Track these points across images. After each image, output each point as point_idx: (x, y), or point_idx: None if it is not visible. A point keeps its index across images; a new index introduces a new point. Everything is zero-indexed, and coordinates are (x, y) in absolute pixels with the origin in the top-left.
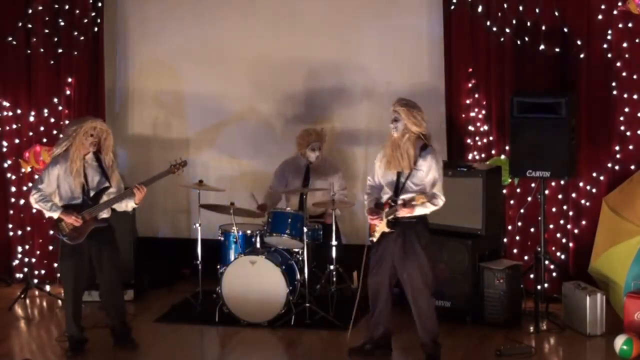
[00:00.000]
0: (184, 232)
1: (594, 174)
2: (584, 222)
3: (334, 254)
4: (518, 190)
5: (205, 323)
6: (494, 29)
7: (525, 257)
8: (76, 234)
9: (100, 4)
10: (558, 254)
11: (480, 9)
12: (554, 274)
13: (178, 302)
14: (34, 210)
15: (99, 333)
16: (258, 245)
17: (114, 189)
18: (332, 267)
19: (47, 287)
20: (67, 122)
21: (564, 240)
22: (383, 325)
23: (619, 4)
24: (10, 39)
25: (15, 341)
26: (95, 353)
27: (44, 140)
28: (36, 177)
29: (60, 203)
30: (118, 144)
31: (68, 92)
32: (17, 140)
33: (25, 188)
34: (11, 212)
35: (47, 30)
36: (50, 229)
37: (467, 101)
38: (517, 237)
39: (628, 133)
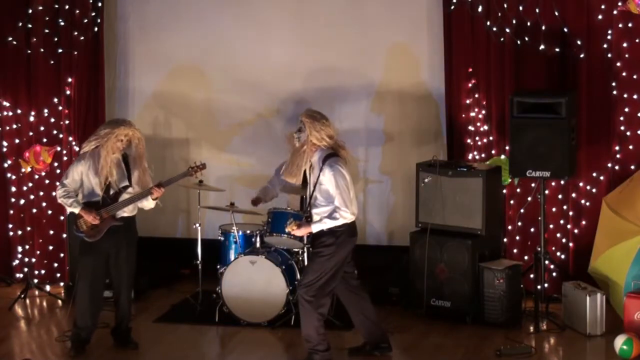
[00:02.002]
0: (184, 232)
1: (594, 174)
2: (584, 222)
3: None
4: (518, 190)
5: (205, 323)
6: (494, 29)
7: (525, 257)
8: (94, 231)
9: (100, 4)
10: (558, 254)
11: (480, 9)
12: (554, 274)
13: (178, 302)
14: (35, 210)
15: (99, 333)
16: (258, 245)
17: (138, 189)
18: None
19: (47, 287)
20: (67, 122)
21: (564, 240)
22: (360, 331)
23: (619, 4)
24: (10, 39)
25: (15, 341)
26: (95, 353)
27: (44, 140)
28: (36, 177)
29: (83, 200)
30: None
31: (68, 92)
32: (17, 140)
33: (25, 188)
34: (11, 212)
35: (47, 30)
36: (51, 229)
37: (467, 101)
38: (517, 237)
39: (628, 133)
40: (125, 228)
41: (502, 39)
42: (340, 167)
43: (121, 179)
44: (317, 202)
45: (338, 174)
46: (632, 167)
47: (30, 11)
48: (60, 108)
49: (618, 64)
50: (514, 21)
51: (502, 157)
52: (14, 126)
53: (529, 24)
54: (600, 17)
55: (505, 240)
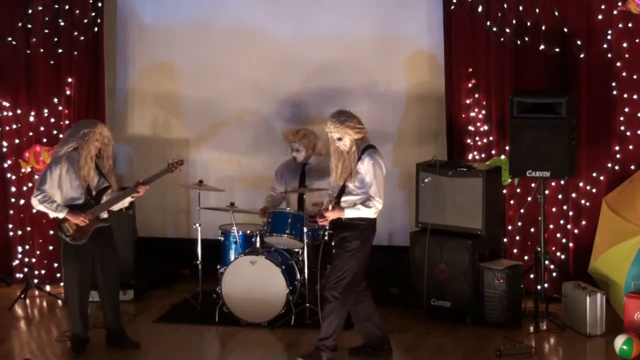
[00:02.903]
0: (184, 232)
1: (594, 174)
2: (584, 222)
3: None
4: (518, 190)
5: (205, 323)
6: (494, 29)
7: (525, 257)
8: (79, 234)
9: (100, 4)
10: (558, 254)
11: (480, 9)
12: (554, 274)
13: (178, 302)
14: (34, 211)
15: (99, 333)
16: (258, 245)
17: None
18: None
19: (47, 287)
20: (67, 122)
21: (564, 240)
22: (361, 331)
23: (619, 4)
24: (10, 39)
25: (15, 341)
26: (95, 353)
27: (44, 140)
28: (35, 177)
29: (62, 203)
30: (118, 143)
31: (68, 92)
32: (17, 140)
33: (25, 188)
34: (11, 212)
35: (47, 30)
36: (51, 229)
37: (467, 101)
38: (517, 237)
39: (628, 133)
40: (108, 229)
41: (502, 39)
42: (378, 159)
43: (100, 180)
44: (348, 190)
45: (377, 164)
46: (632, 167)
47: (30, 11)
48: (60, 108)
49: (618, 64)
50: (514, 21)
51: (502, 157)
52: (14, 126)
53: (529, 24)
54: (600, 17)
55: (505, 240)
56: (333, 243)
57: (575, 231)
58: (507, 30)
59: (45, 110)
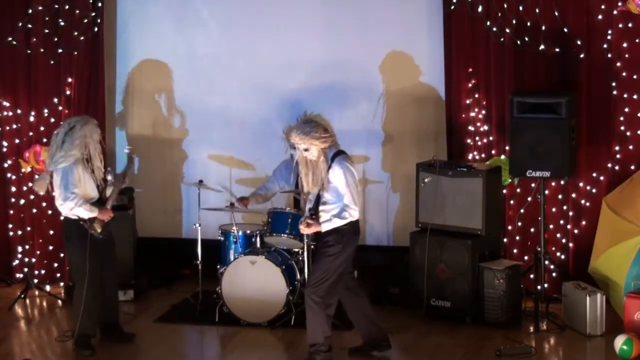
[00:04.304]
0: (184, 232)
1: (594, 174)
2: (584, 222)
3: None
4: (518, 190)
5: (205, 323)
6: (494, 29)
7: (525, 257)
8: (104, 229)
9: (100, 4)
10: (558, 254)
11: (480, 9)
12: (554, 274)
13: (178, 302)
14: (35, 210)
15: (99, 332)
16: (258, 245)
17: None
18: None
19: (47, 287)
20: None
21: (564, 240)
22: (359, 331)
23: (619, 4)
24: (10, 39)
25: (15, 341)
26: (95, 352)
27: (44, 140)
28: (36, 176)
29: None
30: (118, 143)
31: (68, 92)
32: (17, 140)
33: (25, 188)
34: (11, 212)
35: (47, 30)
36: (51, 229)
37: (467, 101)
38: (517, 237)
39: (628, 133)
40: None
41: (502, 39)
42: (349, 165)
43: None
44: (324, 200)
45: (347, 171)
46: (632, 167)
47: (30, 11)
48: (60, 108)
49: (618, 64)
50: (514, 21)
51: (502, 157)
52: (14, 126)
53: (529, 24)
54: (600, 17)
55: (505, 240)
56: (315, 246)
57: (575, 231)
58: (507, 30)
59: (45, 110)
